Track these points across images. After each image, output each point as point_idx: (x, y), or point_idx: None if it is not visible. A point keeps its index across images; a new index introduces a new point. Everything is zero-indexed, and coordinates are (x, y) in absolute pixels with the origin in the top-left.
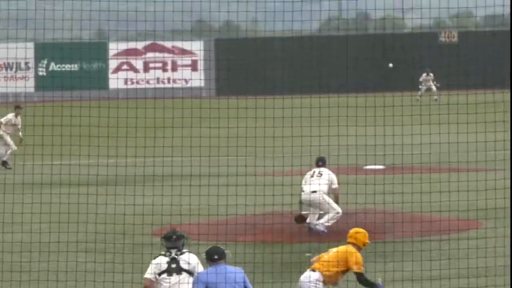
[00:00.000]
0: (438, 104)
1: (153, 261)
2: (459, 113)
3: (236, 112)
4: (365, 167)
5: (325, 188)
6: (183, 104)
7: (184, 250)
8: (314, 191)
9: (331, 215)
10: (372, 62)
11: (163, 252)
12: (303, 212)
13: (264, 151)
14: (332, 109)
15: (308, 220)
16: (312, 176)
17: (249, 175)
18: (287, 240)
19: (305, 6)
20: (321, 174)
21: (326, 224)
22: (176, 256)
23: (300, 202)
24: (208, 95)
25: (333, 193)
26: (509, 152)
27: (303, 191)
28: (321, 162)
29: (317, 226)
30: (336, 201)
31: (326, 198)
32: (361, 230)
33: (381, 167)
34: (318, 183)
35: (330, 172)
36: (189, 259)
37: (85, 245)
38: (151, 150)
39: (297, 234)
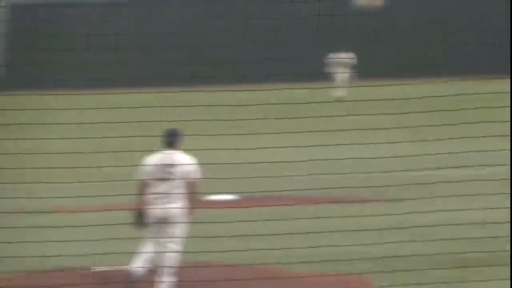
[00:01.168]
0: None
1: None
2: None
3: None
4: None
5: (183, 198)
6: None
7: None
8: (171, 206)
9: (170, 258)
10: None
11: None
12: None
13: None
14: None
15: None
16: (162, 179)
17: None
18: None
19: None
20: (172, 178)
21: (169, 276)
22: None
23: (139, 219)
24: None
25: (189, 189)
26: None
27: (150, 205)
28: (172, 137)
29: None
30: (194, 200)
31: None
32: None
33: (230, 197)
34: (166, 193)
35: (185, 159)
36: None
37: None
38: None
39: None
